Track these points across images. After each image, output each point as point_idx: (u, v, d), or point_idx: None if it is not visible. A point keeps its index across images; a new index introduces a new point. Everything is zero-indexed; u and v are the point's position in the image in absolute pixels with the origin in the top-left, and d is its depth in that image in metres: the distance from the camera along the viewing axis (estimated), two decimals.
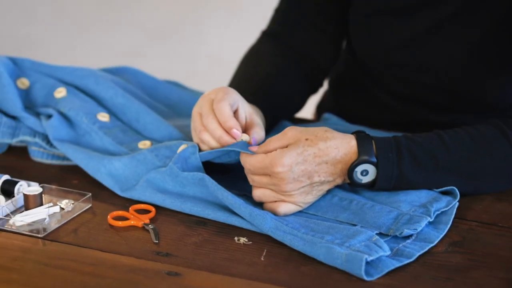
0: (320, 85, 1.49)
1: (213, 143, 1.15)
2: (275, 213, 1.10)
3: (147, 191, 1.15)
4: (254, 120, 1.19)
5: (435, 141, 1.14)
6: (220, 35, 3.95)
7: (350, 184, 1.13)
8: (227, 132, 1.14)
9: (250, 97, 1.25)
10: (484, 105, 1.39)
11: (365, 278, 0.98)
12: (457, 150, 1.14)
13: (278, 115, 1.34)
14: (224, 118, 1.14)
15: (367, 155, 1.10)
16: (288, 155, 1.08)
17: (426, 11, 1.32)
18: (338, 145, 1.10)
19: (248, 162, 1.11)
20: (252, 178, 1.12)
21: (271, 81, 1.35)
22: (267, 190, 1.11)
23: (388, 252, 1.02)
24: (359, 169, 1.10)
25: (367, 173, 1.11)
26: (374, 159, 1.10)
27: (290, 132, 1.10)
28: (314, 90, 1.48)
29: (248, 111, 1.19)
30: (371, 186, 1.12)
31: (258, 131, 1.17)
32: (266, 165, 1.09)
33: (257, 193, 1.12)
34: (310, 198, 1.11)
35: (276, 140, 1.11)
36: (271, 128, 1.33)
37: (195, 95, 1.45)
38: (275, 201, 1.11)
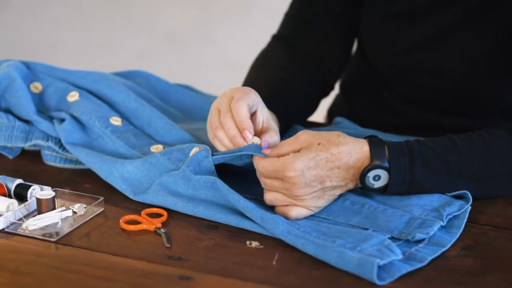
0: (332, 88, 1.49)
1: (227, 142, 1.15)
2: (286, 217, 1.10)
3: (160, 195, 1.15)
4: (270, 125, 1.19)
5: (448, 145, 1.14)
6: (230, 37, 3.95)
7: (361, 189, 1.12)
8: (241, 132, 1.14)
9: (264, 101, 1.25)
10: (495, 109, 1.39)
11: (377, 282, 0.98)
12: (470, 155, 1.13)
13: (291, 119, 1.34)
14: (240, 118, 1.14)
15: (380, 160, 1.10)
16: (300, 159, 1.08)
17: (436, 15, 1.32)
18: (351, 150, 1.10)
19: (261, 165, 1.11)
20: (264, 181, 1.12)
21: (283, 85, 1.35)
22: (279, 194, 1.11)
23: (400, 256, 1.02)
24: (371, 174, 1.10)
25: (379, 178, 1.11)
26: (387, 164, 1.10)
27: (303, 136, 1.10)
28: (325, 94, 1.48)
29: (266, 116, 1.19)
30: (383, 191, 1.12)
31: (273, 136, 1.17)
32: (278, 169, 1.09)
33: (269, 197, 1.12)
34: (322, 203, 1.11)
35: (289, 144, 1.11)
36: (284, 133, 1.33)
37: (207, 98, 1.45)
38: (287, 205, 1.11)
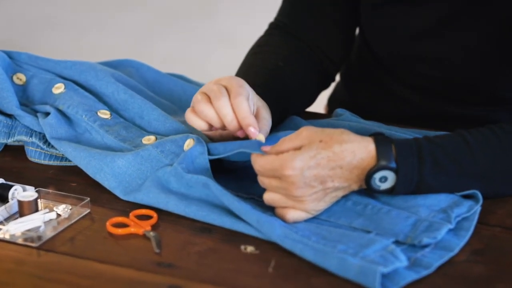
0: (333, 79, 1.41)
1: (215, 121, 1.10)
2: (283, 220, 1.04)
3: (151, 192, 1.08)
4: (260, 113, 1.13)
5: (458, 143, 1.07)
6: (232, 16, 3.89)
7: (366, 190, 1.06)
8: (245, 129, 1.09)
9: (256, 90, 1.19)
10: (503, 98, 1.32)
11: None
12: (482, 154, 1.06)
13: (286, 109, 1.27)
14: (244, 114, 1.08)
15: (386, 160, 1.03)
16: (299, 157, 1.01)
17: (439, 1, 1.25)
18: (355, 149, 1.03)
19: (258, 163, 1.04)
20: (261, 181, 1.05)
21: (279, 74, 1.28)
22: (277, 195, 1.04)
23: (405, 263, 0.95)
24: (377, 175, 1.03)
25: (385, 179, 1.03)
26: (394, 165, 1.03)
27: (305, 132, 1.04)
28: (326, 85, 1.41)
29: (256, 104, 1.14)
30: (390, 192, 1.05)
31: (263, 125, 1.11)
32: (276, 167, 1.02)
33: (267, 197, 1.05)
34: (322, 205, 1.04)
35: (289, 140, 1.04)
36: (280, 123, 1.27)
37: (200, 88, 1.38)
38: (285, 207, 1.04)
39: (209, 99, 1.10)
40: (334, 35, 1.36)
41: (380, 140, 1.04)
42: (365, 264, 0.93)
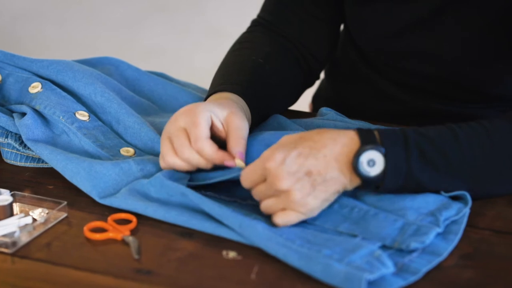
0: (317, 77, 1.38)
1: (191, 168, 1.08)
2: (275, 225, 1.00)
3: (129, 199, 1.05)
4: (232, 124, 1.09)
5: (447, 136, 1.03)
6: (221, 8, 3.86)
7: (359, 188, 1.01)
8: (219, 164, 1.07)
9: (236, 88, 1.17)
10: (490, 95, 1.30)
11: None
12: (472, 149, 1.02)
13: (268, 107, 1.24)
14: (210, 156, 1.06)
15: (371, 143, 0.99)
16: (279, 149, 0.99)
17: None
18: (335, 136, 1.00)
19: (244, 176, 1.01)
20: (254, 193, 1.02)
21: (260, 71, 1.24)
22: (269, 199, 1.00)
23: (392, 269, 0.92)
24: (364, 158, 0.99)
25: (374, 163, 0.99)
26: (381, 148, 0.99)
27: (283, 138, 1.01)
28: (309, 83, 1.38)
29: (222, 116, 1.10)
30: (380, 180, 1.00)
31: (237, 143, 1.08)
32: (257, 166, 0.99)
33: (262, 207, 1.01)
34: (314, 202, 0.99)
35: (269, 149, 1.01)
36: (262, 121, 1.24)
37: (181, 87, 1.34)
38: (278, 211, 1.00)
39: (174, 149, 1.08)
40: (318, 32, 1.33)
41: (361, 129, 1.01)
42: (350, 270, 0.90)
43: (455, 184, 1.04)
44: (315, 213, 1.00)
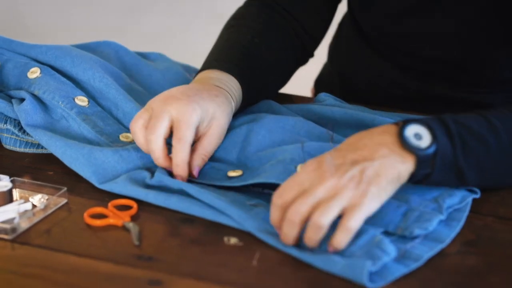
0: (311, 55, 1.36)
1: (144, 149, 1.08)
2: (348, 232, 0.90)
3: (129, 185, 1.04)
4: (207, 137, 1.09)
5: (483, 123, 0.99)
6: None
7: (414, 171, 0.95)
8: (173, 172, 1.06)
9: (227, 66, 1.16)
10: (496, 80, 1.29)
11: (369, 286, 0.88)
12: (507, 133, 0.99)
13: (259, 87, 1.23)
14: (180, 162, 1.05)
15: (412, 119, 0.96)
16: (317, 158, 0.94)
17: None
18: (368, 131, 0.97)
19: (278, 195, 0.93)
20: (295, 210, 0.91)
21: (254, 50, 1.23)
22: (323, 204, 0.90)
23: (394, 254, 0.91)
24: (409, 131, 0.95)
25: (420, 137, 0.95)
26: (423, 122, 0.95)
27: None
28: (303, 60, 1.35)
29: (207, 121, 1.09)
30: (433, 156, 0.95)
31: (201, 155, 1.08)
32: (294, 180, 0.93)
33: (315, 220, 0.90)
34: (369, 189, 0.90)
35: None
36: (254, 102, 1.23)
37: (180, 71, 1.33)
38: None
39: (147, 123, 1.06)
40: (314, 8, 1.32)
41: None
42: (351, 262, 0.89)
43: (494, 173, 1.02)
44: (375, 203, 0.91)
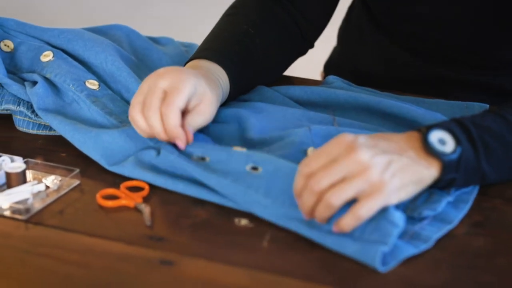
0: (311, 45, 1.34)
1: (146, 131, 1.06)
2: (357, 219, 0.91)
3: (137, 169, 1.05)
4: (199, 109, 1.07)
5: (501, 123, 1.00)
6: None
7: (438, 177, 0.96)
8: (171, 139, 1.05)
9: (216, 57, 1.15)
10: (505, 61, 1.29)
11: (381, 269, 0.88)
12: None
13: (249, 80, 1.23)
14: (169, 127, 1.04)
15: (434, 124, 0.96)
16: (350, 134, 0.93)
17: None
18: (395, 133, 0.97)
19: (305, 163, 0.93)
20: (316, 179, 0.91)
21: (248, 41, 1.22)
22: (341, 185, 0.90)
23: (402, 224, 0.91)
24: (433, 136, 0.95)
25: (444, 142, 0.95)
26: (445, 127, 0.96)
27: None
28: (301, 51, 1.34)
29: (204, 91, 1.07)
30: (457, 163, 0.95)
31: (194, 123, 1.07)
32: (326, 148, 0.93)
33: (329, 196, 0.90)
34: (392, 181, 0.91)
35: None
36: (245, 92, 1.23)
37: (189, 55, 1.34)
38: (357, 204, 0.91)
39: (143, 105, 1.05)
40: None
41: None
42: (365, 245, 0.90)
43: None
44: (393, 198, 0.91)
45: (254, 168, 1.01)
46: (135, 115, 1.06)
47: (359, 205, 0.90)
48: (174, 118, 1.04)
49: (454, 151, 0.95)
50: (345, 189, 0.90)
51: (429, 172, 0.95)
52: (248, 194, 0.98)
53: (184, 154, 1.06)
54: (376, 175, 0.90)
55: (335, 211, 0.91)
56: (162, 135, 1.05)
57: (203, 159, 1.05)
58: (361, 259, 0.89)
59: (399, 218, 0.91)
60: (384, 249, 0.89)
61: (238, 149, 1.05)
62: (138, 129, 1.07)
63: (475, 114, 1.02)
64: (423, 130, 0.96)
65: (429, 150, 0.95)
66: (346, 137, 0.93)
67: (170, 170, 1.05)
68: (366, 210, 0.90)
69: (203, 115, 1.08)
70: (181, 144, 1.05)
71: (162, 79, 1.06)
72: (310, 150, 1.05)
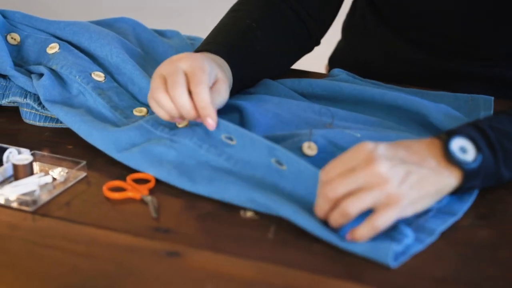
0: (317, 42, 1.34)
1: (173, 111, 1.05)
2: (373, 229, 0.90)
3: (143, 161, 1.05)
4: (216, 88, 1.07)
5: None
6: None
7: (459, 185, 0.96)
8: (201, 118, 1.04)
9: (221, 48, 1.15)
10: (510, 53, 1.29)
11: (392, 265, 0.88)
12: None
13: (255, 72, 1.23)
14: (203, 104, 1.03)
15: (455, 131, 0.95)
16: (367, 142, 0.92)
17: None
18: (416, 139, 0.96)
19: (329, 166, 0.93)
20: (332, 187, 0.91)
21: (250, 36, 1.21)
22: (357, 195, 0.90)
23: (413, 236, 0.91)
24: (455, 144, 0.94)
25: (465, 150, 0.94)
26: (465, 134, 0.95)
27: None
28: (307, 48, 1.34)
29: (216, 75, 1.08)
30: (476, 172, 0.95)
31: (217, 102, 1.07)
32: (346, 156, 0.92)
33: (346, 205, 0.90)
34: (409, 192, 0.90)
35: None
36: (247, 87, 1.23)
37: (194, 47, 1.34)
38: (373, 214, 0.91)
39: (166, 86, 1.05)
40: None
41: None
42: (376, 243, 0.90)
43: None
44: (409, 210, 0.91)
45: (279, 163, 1.01)
46: (161, 95, 1.04)
47: (376, 216, 0.90)
48: (207, 96, 1.03)
49: (475, 160, 0.94)
50: (362, 198, 0.90)
51: (450, 181, 0.94)
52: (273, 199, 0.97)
53: (212, 137, 1.06)
54: (393, 187, 0.90)
55: (351, 219, 0.91)
56: (192, 114, 1.04)
57: (231, 139, 1.05)
58: (372, 256, 0.89)
59: (410, 232, 0.92)
60: (396, 248, 0.89)
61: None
62: (160, 111, 1.06)
63: (490, 116, 1.01)
64: (444, 138, 0.95)
65: (450, 159, 0.94)
66: (366, 146, 0.92)
67: (187, 163, 1.05)
68: (382, 221, 0.90)
69: (221, 94, 1.08)
70: (213, 123, 1.04)
71: (179, 62, 1.05)
72: (306, 145, 1.04)
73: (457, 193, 0.97)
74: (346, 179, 0.90)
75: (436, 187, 0.93)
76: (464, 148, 0.95)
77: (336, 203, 0.91)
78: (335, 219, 0.92)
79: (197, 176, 1.02)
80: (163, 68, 1.06)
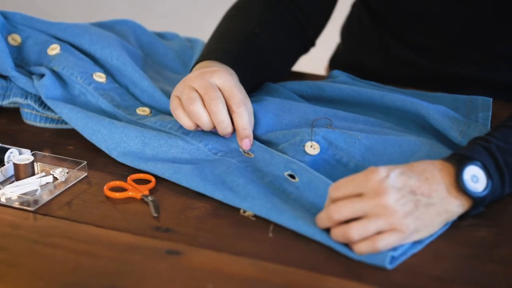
0: (312, 44, 1.35)
1: (207, 126, 1.06)
2: (373, 249, 0.90)
3: (150, 162, 1.06)
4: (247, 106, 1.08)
5: None
6: None
7: (467, 212, 0.95)
8: (239, 138, 1.06)
9: (228, 57, 1.15)
10: (508, 57, 1.30)
11: (389, 267, 0.89)
12: None
13: (260, 77, 1.23)
14: (245, 126, 1.06)
15: (468, 156, 0.94)
16: (381, 167, 0.92)
17: None
18: (430, 162, 0.95)
19: (337, 185, 0.93)
20: (339, 209, 0.91)
21: (254, 41, 1.22)
22: (364, 221, 0.90)
23: (409, 244, 0.92)
24: (467, 173, 0.93)
25: (477, 179, 0.94)
26: (476, 161, 0.94)
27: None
28: (304, 49, 1.35)
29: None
30: (484, 199, 0.94)
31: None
32: (357, 178, 0.92)
33: (351, 230, 0.90)
34: (415, 223, 0.90)
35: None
36: (252, 91, 1.23)
37: (194, 51, 1.35)
38: (376, 235, 0.90)
39: (202, 100, 1.05)
40: None
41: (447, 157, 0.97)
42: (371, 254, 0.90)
43: None
44: (414, 237, 0.91)
45: (292, 176, 1.02)
46: (199, 109, 1.04)
47: (379, 237, 0.90)
48: (247, 118, 1.06)
49: (485, 188, 0.94)
50: (366, 226, 0.89)
51: (457, 210, 0.94)
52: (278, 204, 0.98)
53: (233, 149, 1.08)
54: (399, 219, 0.90)
55: (352, 243, 0.91)
56: (229, 130, 1.06)
57: (249, 154, 1.06)
58: (369, 261, 0.89)
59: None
60: (393, 254, 0.89)
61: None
62: (187, 121, 1.06)
63: (496, 133, 1.00)
64: (457, 165, 0.94)
65: (462, 188, 0.93)
66: (379, 174, 0.91)
67: (181, 157, 1.06)
68: (384, 244, 0.89)
69: (252, 114, 1.09)
70: (250, 144, 1.06)
71: (211, 78, 1.06)
72: (308, 144, 1.05)
73: (462, 217, 0.97)
74: (353, 204, 0.90)
75: (443, 217, 0.93)
76: (476, 176, 0.94)
77: (336, 224, 0.92)
78: (336, 236, 0.92)
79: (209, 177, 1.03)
80: (193, 81, 1.06)
